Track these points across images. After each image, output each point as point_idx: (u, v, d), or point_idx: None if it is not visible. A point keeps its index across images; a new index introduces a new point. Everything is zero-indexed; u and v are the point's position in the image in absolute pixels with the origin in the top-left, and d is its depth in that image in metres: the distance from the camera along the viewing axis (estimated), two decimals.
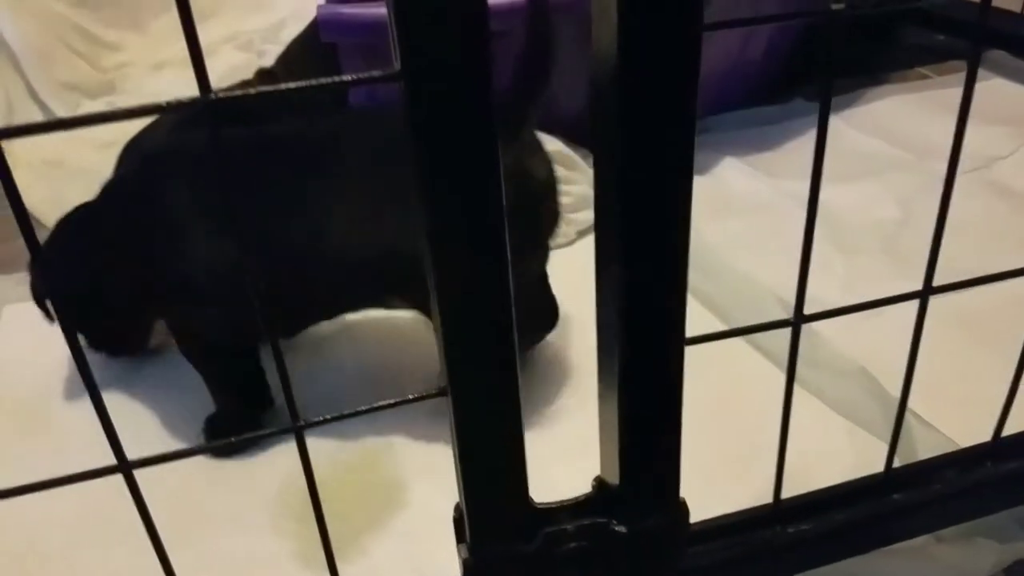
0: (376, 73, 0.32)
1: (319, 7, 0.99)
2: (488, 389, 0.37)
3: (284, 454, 0.72)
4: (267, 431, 0.38)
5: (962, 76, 1.41)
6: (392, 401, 0.40)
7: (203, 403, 0.82)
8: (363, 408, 0.39)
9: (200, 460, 0.75)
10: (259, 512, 0.69)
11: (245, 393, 0.78)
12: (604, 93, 0.33)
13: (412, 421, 0.76)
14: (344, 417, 0.39)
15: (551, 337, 0.85)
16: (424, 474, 0.71)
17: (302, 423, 0.38)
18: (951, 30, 1.57)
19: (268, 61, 1.68)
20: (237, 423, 0.77)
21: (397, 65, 0.31)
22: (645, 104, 0.32)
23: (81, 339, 0.87)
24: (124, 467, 0.36)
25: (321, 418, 0.40)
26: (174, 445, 0.80)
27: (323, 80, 0.31)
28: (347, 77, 0.32)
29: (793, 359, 0.41)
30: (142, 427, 0.79)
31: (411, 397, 0.40)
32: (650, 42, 0.30)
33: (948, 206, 0.40)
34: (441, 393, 0.39)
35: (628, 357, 0.37)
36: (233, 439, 0.37)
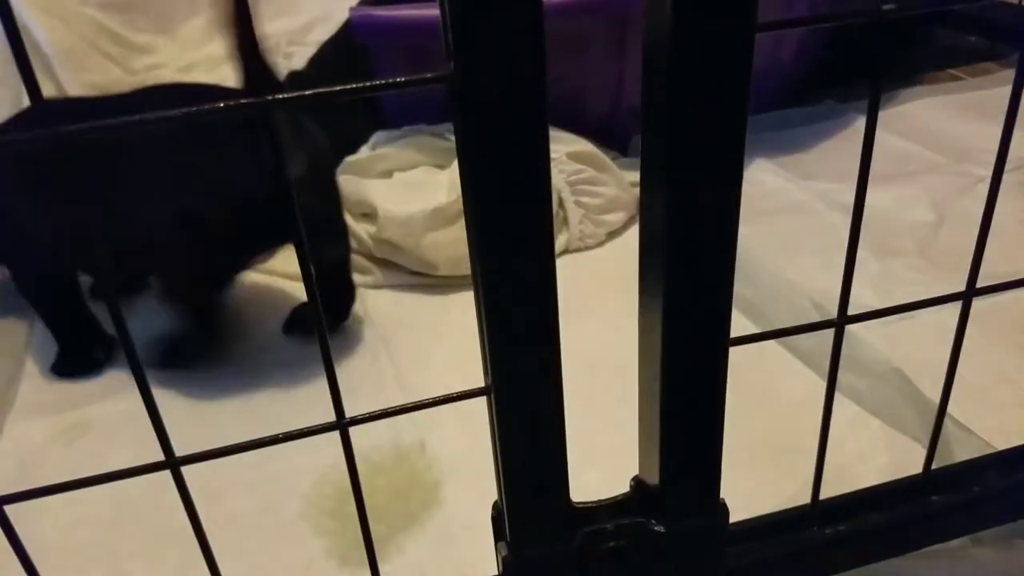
0: (427, 75, 0.33)
1: (351, 9, 1.00)
2: (531, 388, 0.38)
3: (315, 453, 0.73)
4: (310, 428, 0.38)
5: (994, 78, 1.41)
6: (434, 398, 0.41)
7: (240, 407, 0.84)
8: (408, 404, 0.40)
9: (229, 459, 0.77)
10: (291, 511, 0.70)
11: (77, 338, 0.88)
12: (654, 92, 0.33)
13: (443, 421, 0.77)
14: (388, 415, 0.40)
15: (583, 338, 0.85)
16: (457, 473, 0.71)
17: (347, 420, 0.38)
18: (985, 32, 1.55)
19: (295, 64, 1.70)
20: (78, 365, 0.87)
21: (450, 67, 0.32)
22: (696, 103, 0.32)
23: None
24: (172, 463, 0.37)
25: (365, 415, 0.40)
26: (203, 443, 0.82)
27: (377, 82, 0.32)
28: (399, 79, 0.32)
29: (836, 360, 0.41)
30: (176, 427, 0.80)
31: (454, 395, 0.40)
32: (703, 42, 0.30)
33: (994, 206, 0.40)
34: (484, 392, 0.40)
35: (670, 357, 0.38)
36: (280, 435, 0.37)
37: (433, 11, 0.98)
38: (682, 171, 0.34)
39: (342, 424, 0.38)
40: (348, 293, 0.93)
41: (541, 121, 0.34)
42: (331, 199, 0.86)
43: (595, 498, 0.43)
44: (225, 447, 0.37)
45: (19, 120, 0.86)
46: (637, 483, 0.43)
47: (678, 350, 0.37)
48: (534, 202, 0.35)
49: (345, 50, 1.06)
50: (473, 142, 0.33)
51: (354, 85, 0.31)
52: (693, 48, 0.30)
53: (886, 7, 0.35)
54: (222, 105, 0.29)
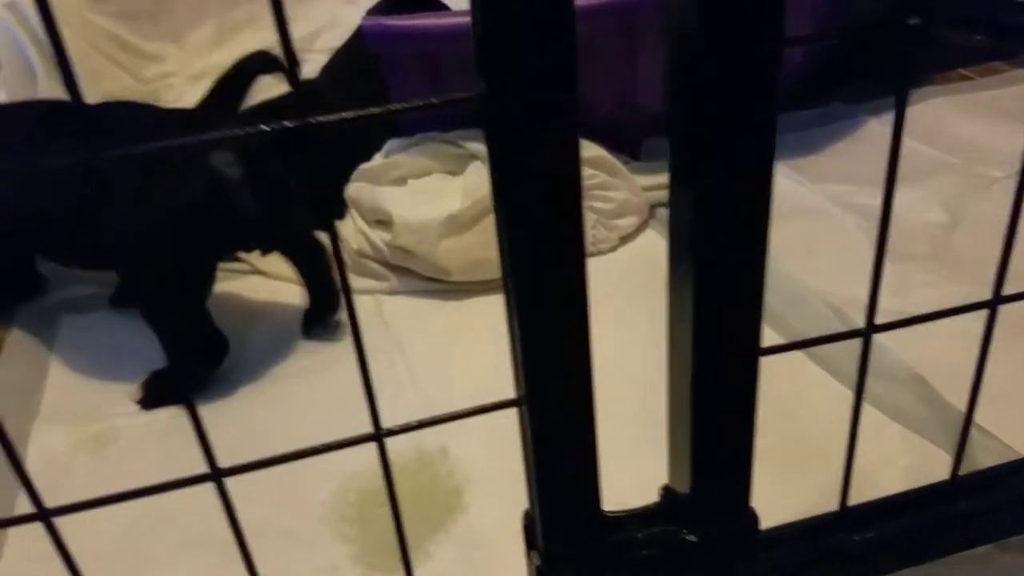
0: (459, 95, 0.33)
1: (364, 18, 1.01)
2: (565, 398, 0.38)
3: (334, 460, 0.73)
4: (348, 439, 0.39)
5: (1004, 77, 1.41)
6: (467, 410, 0.41)
7: (257, 413, 0.84)
8: (443, 415, 0.40)
9: None
10: (313, 517, 0.70)
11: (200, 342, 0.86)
12: (681, 103, 0.34)
13: (464, 426, 0.77)
14: (424, 426, 0.40)
15: (597, 342, 0.85)
16: (479, 479, 0.72)
17: (384, 431, 0.39)
18: (993, 31, 1.55)
19: (306, 71, 1.71)
20: (187, 378, 0.85)
21: (480, 85, 0.32)
22: (724, 116, 0.32)
23: None
24: (215, 475, 0.37)
25: (401, 426, 0.41)
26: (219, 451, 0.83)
27: (410, 104, 0.32)
28: (433, 100, 0.33)
29: (863, 369, 0.41)
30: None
31: (486, 406, 0.41)
32: (730, 54, 0.30)
33: (1020, 209, 0.40)
34: (515, 403, 0.40)
35: (702, 368, 0.38)
36: (319, 446, 0.38)
37: (444, 20, 0.98)
38: (711, 181, 0.34)
39: (379, 435, 0.39)
40: (331, 287, 0.97)
41: (572, 136, 0.34)
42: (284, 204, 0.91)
43: (616, 506, 0.43)
44: (267, 459, 0.37)
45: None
46: (667, 492, 0.43)
47: (709, 361, 0.38)
48: (566, 215, 0.35)
49: (357, 58, 1.06)
50: (505, 158, 0.34)
51: (392, 106, 0.32)
52: (722, 63, 0.31)
53: (912, 21, 0.36)
54: (269, 128, 0.30)
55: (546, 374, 0.38)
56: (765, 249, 0.37)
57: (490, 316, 1.00)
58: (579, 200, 0.36)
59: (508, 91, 0.32)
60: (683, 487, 0.41)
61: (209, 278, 0.87)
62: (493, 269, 1.00)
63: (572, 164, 0.34)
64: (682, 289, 0.38)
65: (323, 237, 1.11)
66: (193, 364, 0.86)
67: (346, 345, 0.93)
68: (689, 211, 0.36)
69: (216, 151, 0.80)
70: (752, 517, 0.43)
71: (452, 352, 0.91)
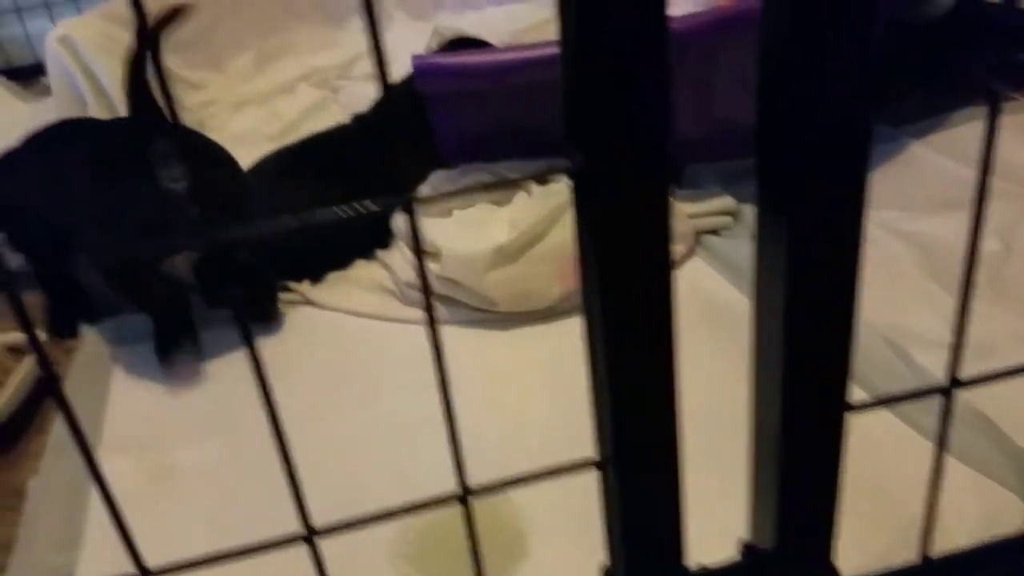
0: (553, 166, 0.34)
1: (413, 56, 1.02)
2: (654, 458, 0.38)
3: (395, 496, 0.74)
4: (435, 498, 0.39)
5: None
6: (547, 469, 0.41)
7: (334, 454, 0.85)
8: (525, 474, 0.41)
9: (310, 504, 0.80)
10: (375, 557, 0.70)
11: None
12: (773, 114, 0.34)
13: (524, 467, 0.77)
14: (509, 486, 0.40)
15: None
16: (541, 524, 0.71)
17: (470, 489, 0.39)
18: None
19: (344, 98, 1.73)
20: (177, 331, 0.97)
21: (578, 160, 0.32)
22: (820, 117, 0.33)
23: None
24: (309, 536, 0.38)
25: (484, 485, 0.41)
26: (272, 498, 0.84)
27: (505, 179, 0.33)
28: (527, 176, 0.33)
29: (945, 425, 0.41)
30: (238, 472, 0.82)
31: (563, 466, 0.41)
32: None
33: None
34: (598, 465, 0.40)
35: (788, 424, 0.38)
36: (407, 505, 0.38)
37: (491, 56, 0.99)
38: (805, 211, 0.34)
39: (465, 496, 0.39)
40: (267, 295, 1.06)
41: (664, 191, 0.34)
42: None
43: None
44: (357, 518, 0.38)
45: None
46: (748, 548, 0.43)
47: (797, 418, 0.38)
48: (656, 272, 0.35)
49: (408, 96, 1.07)
50: (596, 216, 0.34)
51: (489, 181, 0.32)
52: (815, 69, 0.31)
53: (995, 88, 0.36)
54: (362, 208, 0.30)
55: (636, 434, 0.38)
56: (855, 294, 0.37)
57: (537, 345, 1.01)
58: (668, 255, 0.35)
59: (606, 162, 0.32)
60: (766, 543, 0.41)
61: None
62: (539, 300, 1.02)
63: (662, 215, 0.34)
64: (771, 343, 0.38)
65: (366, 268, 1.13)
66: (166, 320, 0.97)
67: (391, 375, 0.93)
68: (779, 261, 0.36)
69: (165, 168, 0.91)
70: (834, 572, 0.43)
71: (501, 382, 0.91)
